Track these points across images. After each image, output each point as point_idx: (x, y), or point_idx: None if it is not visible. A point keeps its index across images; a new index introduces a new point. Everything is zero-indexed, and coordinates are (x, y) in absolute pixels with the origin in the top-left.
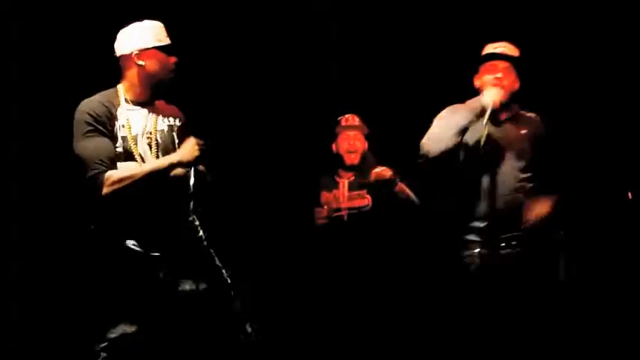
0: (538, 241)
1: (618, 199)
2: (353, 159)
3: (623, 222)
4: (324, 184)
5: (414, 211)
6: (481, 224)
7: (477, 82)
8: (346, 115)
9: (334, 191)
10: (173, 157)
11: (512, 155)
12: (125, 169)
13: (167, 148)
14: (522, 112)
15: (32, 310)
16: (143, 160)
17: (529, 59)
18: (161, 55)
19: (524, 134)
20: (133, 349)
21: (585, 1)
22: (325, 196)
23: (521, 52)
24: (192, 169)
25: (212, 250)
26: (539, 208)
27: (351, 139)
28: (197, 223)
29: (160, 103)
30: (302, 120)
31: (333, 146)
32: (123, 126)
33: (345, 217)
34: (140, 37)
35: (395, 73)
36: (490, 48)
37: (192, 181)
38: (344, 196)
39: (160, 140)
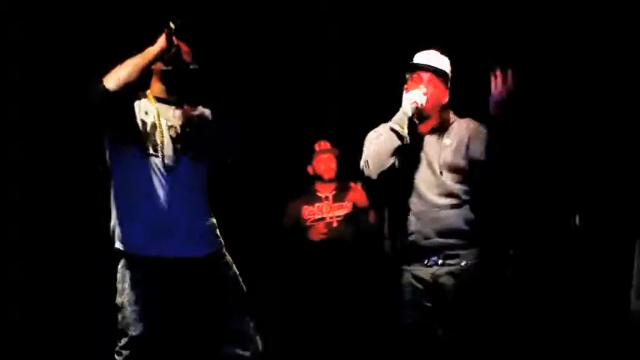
0: (486, 257)
1: (566, 221)
2: (331, 173)
3: (571, 243)
4: (302, 201)
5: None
6: (407, 241)
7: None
8: (318, 141)
9: (317, 205)
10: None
11: (433, 170)
12: None
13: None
14: (454, 121)
15: (33, 311)
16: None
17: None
18: None
19: (449, 146)
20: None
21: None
22: (308, 210)
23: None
24: None
25: None
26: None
27: (326, 161)
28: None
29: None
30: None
31: (309, 169)
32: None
33: (335, 224)
34: None
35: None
36: (419, 56)
37: None
38: (331, 206)
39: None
